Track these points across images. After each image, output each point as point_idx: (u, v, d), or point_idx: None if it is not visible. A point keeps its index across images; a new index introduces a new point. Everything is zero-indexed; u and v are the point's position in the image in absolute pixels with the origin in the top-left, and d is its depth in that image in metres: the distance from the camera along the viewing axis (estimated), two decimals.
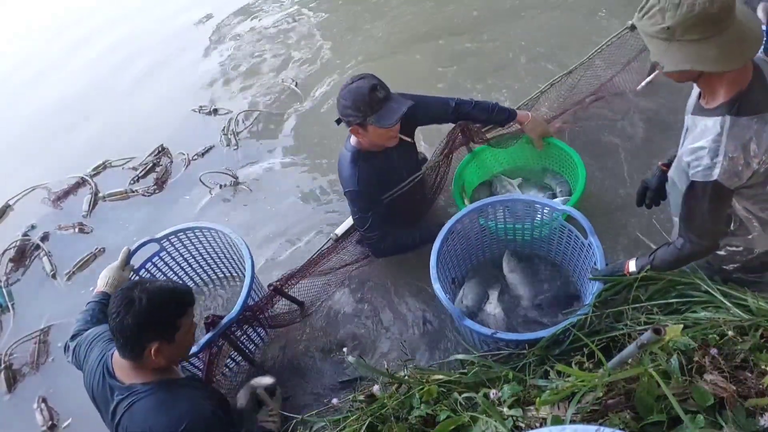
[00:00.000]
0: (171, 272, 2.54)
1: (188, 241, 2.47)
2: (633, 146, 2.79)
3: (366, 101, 2.05)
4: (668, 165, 1.88)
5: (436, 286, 1.94)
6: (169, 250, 2.44)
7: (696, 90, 1.49)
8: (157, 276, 2.45)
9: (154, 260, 2.41)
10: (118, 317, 1.50)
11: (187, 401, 1.53)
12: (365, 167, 2.22)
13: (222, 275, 2.75)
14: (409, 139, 2.32)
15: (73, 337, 1.83)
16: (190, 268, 2.62)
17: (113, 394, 1.57)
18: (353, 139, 2.25)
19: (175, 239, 2.42)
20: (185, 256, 2.54)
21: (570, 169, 2.54)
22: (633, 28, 2.51)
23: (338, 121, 2.19)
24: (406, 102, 2.12)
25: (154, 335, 1.53)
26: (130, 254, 2.21)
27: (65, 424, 2.47)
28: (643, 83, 2.51)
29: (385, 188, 2.31)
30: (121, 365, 1.59)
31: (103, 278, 2.09)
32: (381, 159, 2.26)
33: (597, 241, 1.92)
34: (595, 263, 1.91)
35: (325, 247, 2.39)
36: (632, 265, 1.71)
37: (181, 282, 2.55)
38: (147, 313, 1.50)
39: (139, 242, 2.30)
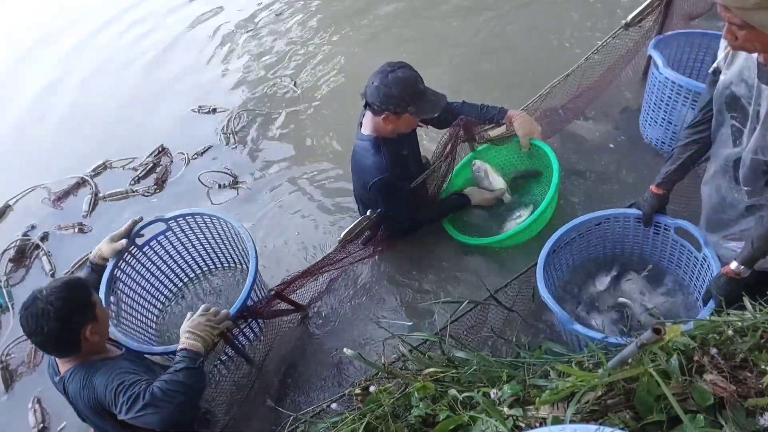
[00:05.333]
0: (174, 251, 2.58)
1: (195, 225, 2.51)
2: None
3: (412, 92, 2.11)
4: (660, 186, 1.92)
5: (543, 291, 1.90)
6: (175, 230, 2.48)
7: (738, 62, 1.56)
8: (161, 253, 2.53)
9: (159, 238, 2.47)
10: (39, 328, 1.68)
11: (102, 373, 1.77)
12: (389, 153, 2.24)
13: (225, 263, 2.77)
14: (423, 125, 2.39)
15: None
16: (188, 255, 2.64)
17: (62, 388, 1.83)
18: (368, 129, 2.26)
19: (183, 221, 2.47)
20: (190, 238, 2.58)
21: (547, 174, 2.54)
22: (627, 26, 2.56)
23: (366, 105, 2.21)
24: (441, 95, 2.20)
25: (83, 321, 1.73)
26: (134, 227, 2.30)
27: (60, 426, 2.46)
28: None
29: (405, 171, 2.34)
30: (61, 360, 1.83)
31: (96, 248, 2.26)
32: (399, 144, 2.30)
33: (711, 252, 1.84)
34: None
35: (330, 251, 2.36)
36: (733, 264, 1.63)
37: (180, 262, 2.65)
38: (64, 310, 1.68)
39: (148, 220, 2.37)
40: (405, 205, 2.36)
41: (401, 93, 2.08)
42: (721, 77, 1.67)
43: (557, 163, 2.37)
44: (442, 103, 2.20)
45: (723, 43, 1.62)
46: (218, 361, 2.15)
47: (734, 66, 1.64)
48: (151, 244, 2.46)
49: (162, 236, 2.47)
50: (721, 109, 1.71)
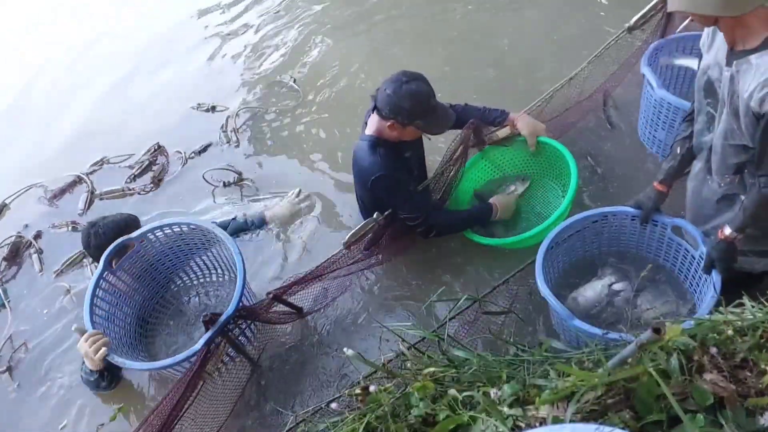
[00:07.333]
0: (150, 267, 2.49)
1: (164, 237, 2.41)
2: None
3: (423, 107, 2.09)
4: (663, 182, 1.93)
5: (542, 287, 1.92)
6: (146, 247, 2.40)
7: (716, 45, 1.55)
8: (134, 273, 2.43)
9: (131, 259, 2.37)
10: (87, 246, 2.43)
11: None
12: (386, 152, 2.23)
13: (214, 269, 2.67)
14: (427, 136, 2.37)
15: None
16: (169, 266, 2.56)
17: None
18: (371, 129, 2.26)
19: (152, 236, 2.37)
20: (164, 252, 2.48)
21: (563, 170, 2.53)
22: (630, 30, 2.55)
23: (374, 109, 2.19)
24: (450, 111, 2.19)
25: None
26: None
27: (61, 425, 2.44)
28: None
29: (406, 173, 2.32)
30: None
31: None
32: (400, 146, 2.29)
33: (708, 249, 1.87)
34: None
35: (334, 254, 2.31)
36: (727, 229, 1.70)
37: (161, 276, 2.58)
38: (99, 242, 2.33)
39: (116, 243, 2.27)
40: (410, 201, 2.31)
41: (412, 107, 2.07)
42: (701, 63, 1.67)
43: (571, 156, 2.37)
44: (451, 121, 2.19)
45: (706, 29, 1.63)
46: (221, 363, 2.15)
47: (712, 49, 1.63)
48: (125, 266, 2.35)
49: (134, 256, 2.38)
50: (700, 98, 1.70)
